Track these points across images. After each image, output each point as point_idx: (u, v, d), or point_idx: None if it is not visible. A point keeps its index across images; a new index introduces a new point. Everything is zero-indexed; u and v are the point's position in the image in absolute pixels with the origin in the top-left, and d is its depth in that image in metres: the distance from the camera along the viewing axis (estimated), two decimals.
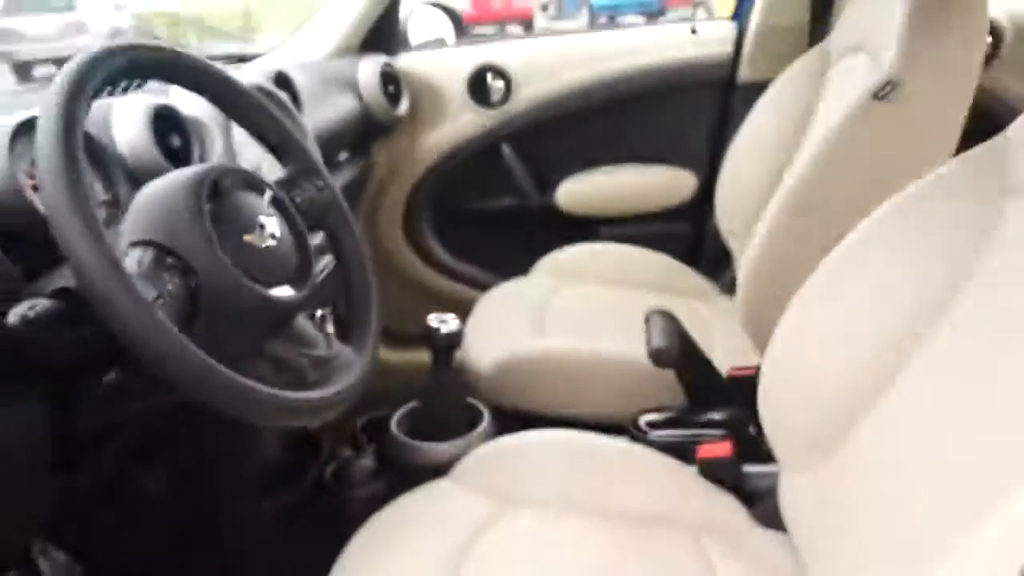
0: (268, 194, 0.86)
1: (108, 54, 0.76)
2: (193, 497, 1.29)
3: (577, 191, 2.02)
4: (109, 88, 0.99)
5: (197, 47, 15.39)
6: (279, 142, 0.97)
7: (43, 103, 0.70)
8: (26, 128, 0.81)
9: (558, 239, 1.87)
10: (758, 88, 1.66)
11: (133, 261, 0.72)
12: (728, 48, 1.93)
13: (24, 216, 0.78)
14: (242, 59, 1.76)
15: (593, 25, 15.42)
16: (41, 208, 0.77)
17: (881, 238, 0.88)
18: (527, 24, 15.42)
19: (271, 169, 1.04)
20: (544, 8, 15.96)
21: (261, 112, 0.95)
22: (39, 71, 12.73)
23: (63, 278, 0.74)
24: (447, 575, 0.89)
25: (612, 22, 15.84)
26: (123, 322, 0.65)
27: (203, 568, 1.31)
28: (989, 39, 1.75)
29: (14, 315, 0.68)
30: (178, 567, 1.29)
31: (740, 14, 1.95)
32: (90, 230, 0.65)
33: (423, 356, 1.40)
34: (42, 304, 0.70)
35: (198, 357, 0.69)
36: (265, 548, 1.36)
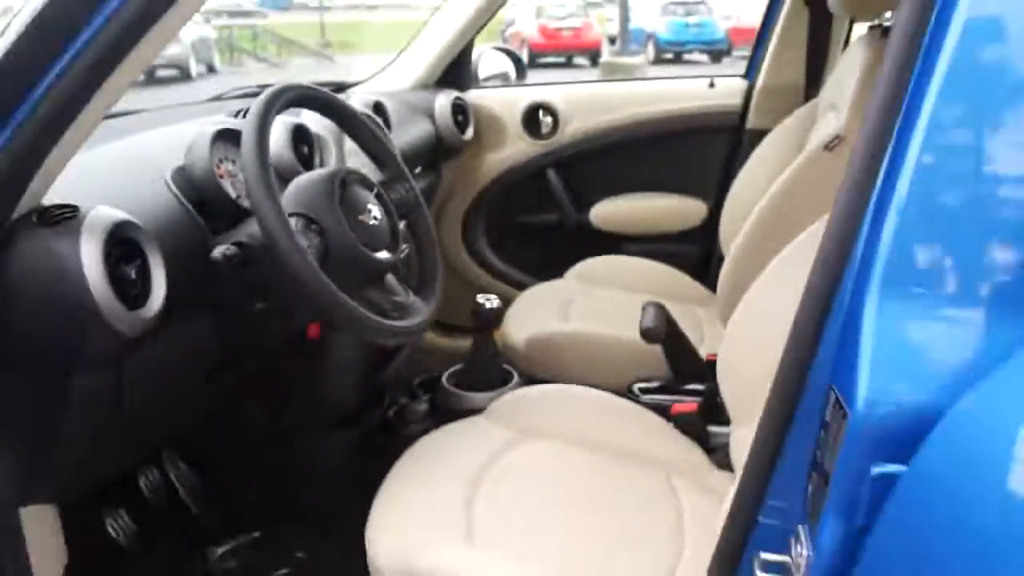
0: (375, 190, 1.19)
1: (283, 91, 1.09)
2: (283, 424, 1.59)
3: (607, 211, 2.32)
4: None
5: (276, 59, 15.78)
6: (379, 155, 1.30)
7: (246, 123, 1.02)
8: (219, 135, 1.14)
9: (589, 250, 2.15)
10: (761, 134, 1.94)
11: (292, 224, 1.03)
12: (739, 100, 2.23)
13: (216, 194, 1.10)
14: (341, 87, 2.10)
15: (658, 60, 15.10)
16: (227, 189, 1.12)
17: (801, 257, 1.04)
18: (594, 55, 15.03)
19: (369, 172, 1.36)
20: (612, 41, 15.65)
21: (369, 132, 1.28)
22: None
23: (238, 235, 1.06)
24: (473, 483, 1.15)
25: (678, 59, 15.48)
26: (288, 261, 0.97)
27: (287, 481, 1.60)
28: None
29: (217, 251, 1.01)
30: (267, 480, 1.58)
31: (750, 72, 2.26)
32: (276, 206, 0.98)
33: (468, 343, 1.71)
34: (231, 248, 1.03)
35: (331, 287, 1.00)
36: (337, 468, 1.65)
